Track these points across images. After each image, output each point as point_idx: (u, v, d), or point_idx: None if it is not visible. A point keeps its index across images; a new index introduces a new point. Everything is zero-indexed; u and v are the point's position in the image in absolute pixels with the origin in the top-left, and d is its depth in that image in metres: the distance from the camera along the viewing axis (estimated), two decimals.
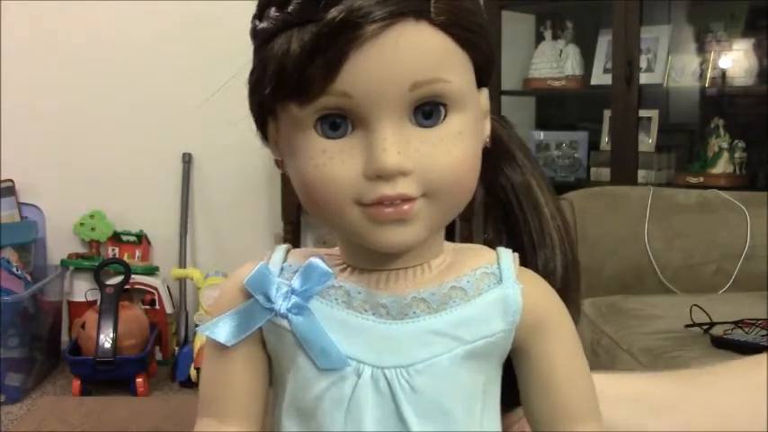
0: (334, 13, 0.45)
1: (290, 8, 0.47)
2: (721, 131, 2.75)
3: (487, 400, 0.53)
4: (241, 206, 3.03)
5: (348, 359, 0.50)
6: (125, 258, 2.90)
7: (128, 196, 3.02)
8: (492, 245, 0.56)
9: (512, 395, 0.55)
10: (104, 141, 2.99)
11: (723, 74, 2.74)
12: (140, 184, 3.02)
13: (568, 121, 3.26)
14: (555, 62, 3.04)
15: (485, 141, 0.53)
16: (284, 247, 0.56)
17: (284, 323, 0.51)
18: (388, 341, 0.51)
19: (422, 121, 0.48)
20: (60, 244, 2.98)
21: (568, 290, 0.57)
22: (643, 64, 2.79)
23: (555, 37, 3.09)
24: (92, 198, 2.99)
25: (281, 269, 0.54)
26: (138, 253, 3.01)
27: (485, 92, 0.53)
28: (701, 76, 2.78)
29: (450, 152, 0.48)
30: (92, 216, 2.98)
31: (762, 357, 0.76)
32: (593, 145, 3.05)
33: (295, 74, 0.46)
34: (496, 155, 0.57)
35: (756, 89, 2.71)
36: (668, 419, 0.68)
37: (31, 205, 2.93)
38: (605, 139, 2.96)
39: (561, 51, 3.05)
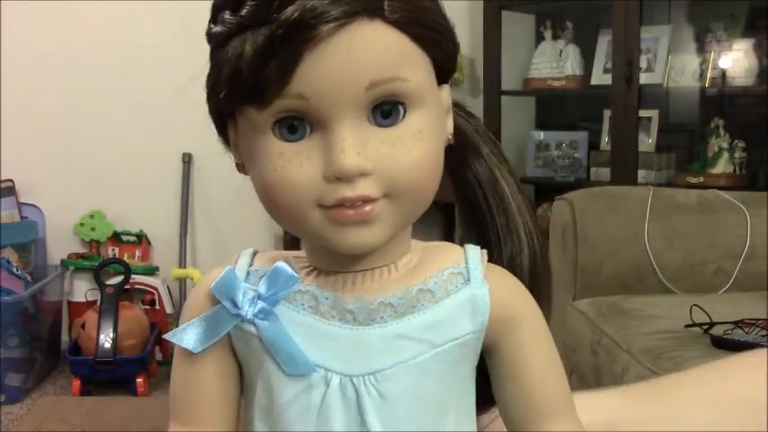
0: (287, 14, 0.45)
1: (244, 11, 0.46)
2: (721, 131, 2.74)
3: (462, 403, 0.52)
4: (241, 206, 3.02)
5: (315, 366, 0.50)
6: (125, 258, 2.89)
7: (128, 196, 3.02)
8: (462, 242, 0.55)
9: (486, 394, 0.55)
10: (104, 141, 2.99)
11: (723, 74, 2.74)
12: (140, 184, 3.02)
13: (568, 121, 3.26)
14: (555, 62, 3.04)
15: (447, 138, 0.53)
16: (250, 251, 0.55)
17: (251, 329, 0.51)
18: (355, 348, 0.50)
19: (380, 121, 0.48)
20: (60, 244, 2.98)
21: (537, 285, 0.56)
22: (643, 64, 2.79)
23: (555, 37, 3.09)
24: (92, 198, 2.99)
25: (248, 274, 0.53)
26: (138, 253, 3.01)
27: (446, 88, 0.53)
28: (701, 76, 2.78)
29: (411, 152, 0.48)
30: (92, 216, 2.98)
31: (720, 363, 0.77)
32: (593, 145, 3.05)
33: (250, 77, 0.46)
34: (462, 150, 0.57)
35: (756, 89, 2.71)
36: None
37: (31, 205, 2.92)
38: (605, 139, 2.96)
39: (561, 51, 3.04)
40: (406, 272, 0.52)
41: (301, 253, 0.55)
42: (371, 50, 0.46)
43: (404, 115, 0.48)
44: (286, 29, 0.45)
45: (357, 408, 0.49)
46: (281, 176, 0.48)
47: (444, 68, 0.51)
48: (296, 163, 0.47)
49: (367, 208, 0.47)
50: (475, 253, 0.54)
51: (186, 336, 0.52)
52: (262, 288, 0.51)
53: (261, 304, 0.50)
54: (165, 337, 0.54)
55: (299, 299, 0.51)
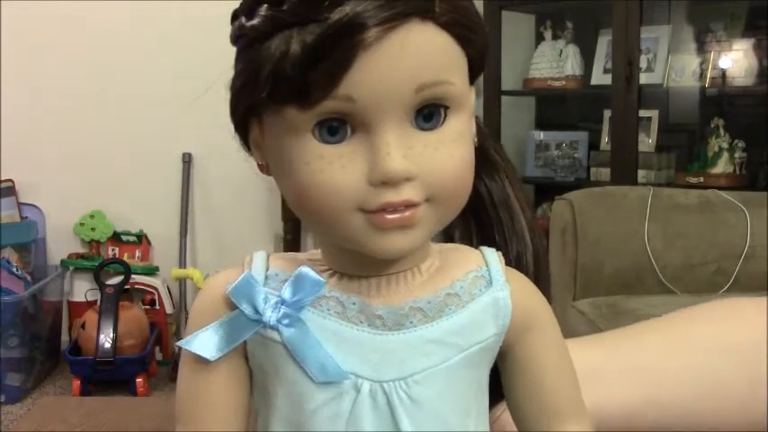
0: (338, 14, 0.43)
1: (286, 6, 0.45)
2: (721, 131, 2.75)
3: (480, 402, 0.53)
4: (241, 206, 3.03)
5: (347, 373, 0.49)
6: (125, 258, 2.89)
7: (128, 196, 3.02)
8: (463, 242, 0.55)
9: (493, 393, 0.54)
10: (104, 141, 2.99)
11: (723, 74, 2.74)
12: (140, 184, 3.02)
13: (568, 121, 3.26)
14: (555, 62, 3.04)
15: (474, 141, 0.52)
16: (263, 253, 0.53)
17: (273, 335, 0.49)
18: (384, 353, 0.49)
19: (422, 124, 0.47)
20: (60, 244, 2.98)
21: (540, 282, 0.57)
22: (643, 64, 2.79)
23: (555, 37, 3.09)
24: (92, 198, 2.99)
25: (266, 277, 0.51)
26: (138, 253, 3.01)
27: (472, 90, 0.52)
28: (701, 76, 2.78)
29: (453, 155, 0.47)
30: (92, 216, 2.98)
31: (683, 312, 0.78)
32: (593, 145, 3.05)
33: (296, 77, 0.44)
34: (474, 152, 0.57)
35: (756, 89, 2.71)
36: (599, 389, 0.69)
37: (31, 205, 2.93)
38: (605, 139, 2.96)
39: (561, 51, 3.05)
40: (430, 276, 0.51)
41: (315, 255, 0.53)
42: (422, 53, 0.45)
43: (444, 119, 0.47)
44: (337, 30, 0.43)
45: (389, 413, 0.49)
46: (320, 179, 0.46)
47: (474, 69, 0.50)
48: (337, 166, 0.46)
49: (408, 213, 0.46)
50: (493, 256, 0.53)
51: (202, 343, 0.50)
52: (286, 293, 0.49)
53: (285, 310, 0.49)
54: (179, 344, 0.51)
55: (323, 304, 0.50)
